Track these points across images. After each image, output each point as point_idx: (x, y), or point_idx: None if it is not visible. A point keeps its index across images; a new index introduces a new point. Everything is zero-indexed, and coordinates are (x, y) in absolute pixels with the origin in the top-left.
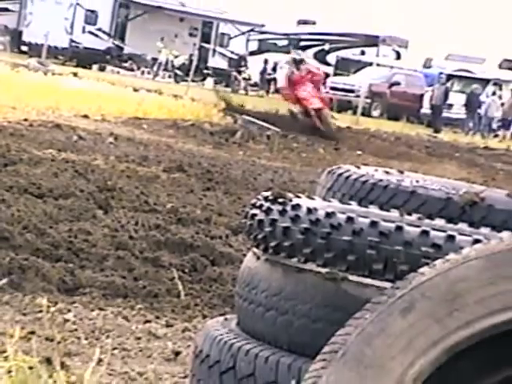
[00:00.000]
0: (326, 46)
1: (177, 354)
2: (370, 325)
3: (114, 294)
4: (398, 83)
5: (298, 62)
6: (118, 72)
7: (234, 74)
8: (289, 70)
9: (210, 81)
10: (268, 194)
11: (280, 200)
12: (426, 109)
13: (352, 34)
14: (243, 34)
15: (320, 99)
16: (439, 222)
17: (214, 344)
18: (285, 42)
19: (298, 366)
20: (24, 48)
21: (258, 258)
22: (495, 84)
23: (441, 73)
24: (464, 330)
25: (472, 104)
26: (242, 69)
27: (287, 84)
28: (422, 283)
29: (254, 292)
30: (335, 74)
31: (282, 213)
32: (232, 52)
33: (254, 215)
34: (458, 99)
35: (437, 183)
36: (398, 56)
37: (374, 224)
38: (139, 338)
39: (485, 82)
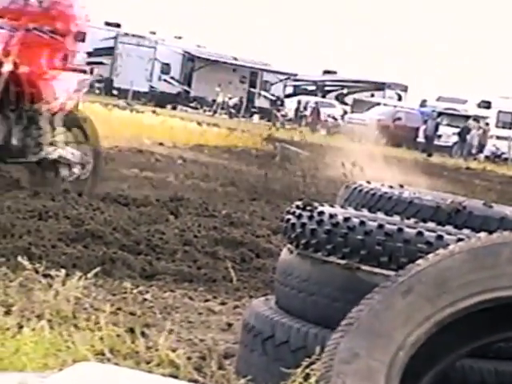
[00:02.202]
0: (345, 90)
1: (229, 325)
2: (378, 303)
3: (182, 279)
4: (399, 118)
5: None
6: (186, 110)
7: (274, 111)
8: None
9: (256, 117)
10: (299, 203)
11: (308, 208)
12: (421, 138)
13: (364, 81)
14: (281, 81)
15: None
16: (431, 224)
17: (258, 318)
18: (313, 87)
19: (323, 335)
20: (115, 92)
21: (292, 252)
22: (474, 119)
23: (433, 111)
24: (449, 308)
25: (463, 135)
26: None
27: None
28: (418, 272)
29: (288, 278)
30: (352, 112)
31: (310, 218)
32: (273, 95)
33: (288, 219)
34: (445, 131)
35: (429, 195)
36: (400, 98)
37: (380, 226)
38: (201, 313)
39: (466, 117)
